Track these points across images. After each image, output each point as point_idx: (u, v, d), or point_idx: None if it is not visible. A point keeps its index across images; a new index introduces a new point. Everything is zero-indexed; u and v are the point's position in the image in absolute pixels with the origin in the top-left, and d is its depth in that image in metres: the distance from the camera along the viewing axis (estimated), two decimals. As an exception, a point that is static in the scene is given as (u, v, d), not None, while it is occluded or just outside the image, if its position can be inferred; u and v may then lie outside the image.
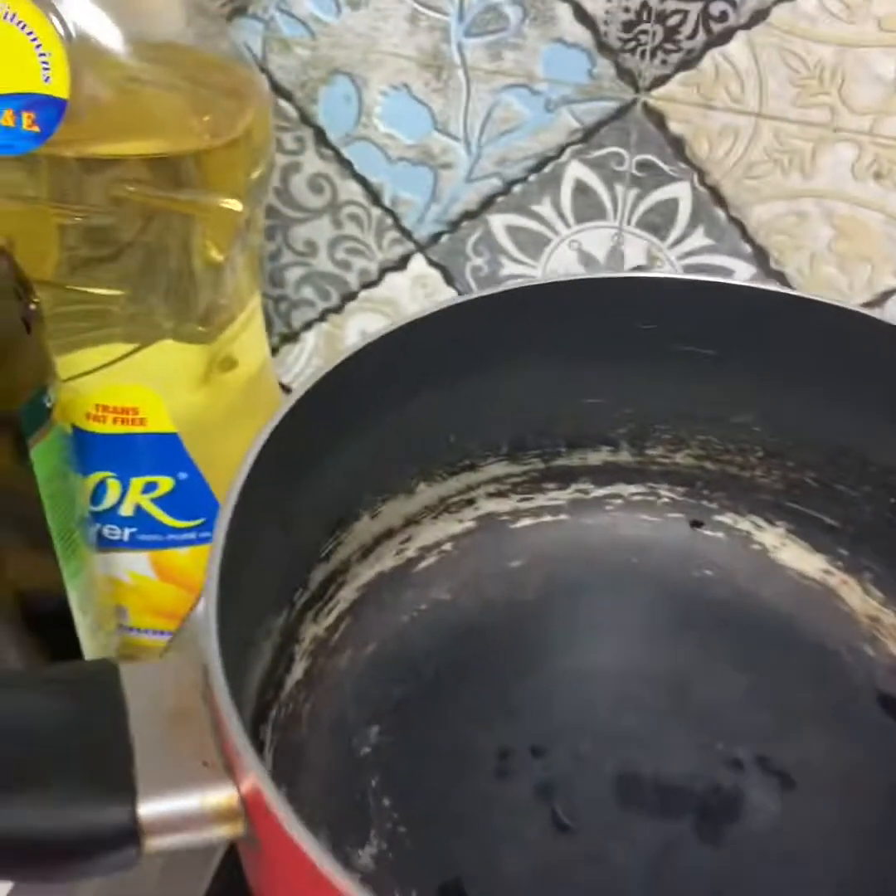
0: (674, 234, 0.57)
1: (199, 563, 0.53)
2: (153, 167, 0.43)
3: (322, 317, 0.66)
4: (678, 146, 0.54)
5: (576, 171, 0.57)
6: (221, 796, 0.26)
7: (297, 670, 0.39)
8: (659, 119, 0.53)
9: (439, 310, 0.37)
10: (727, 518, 0.46)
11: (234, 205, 0.45)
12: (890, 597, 0.43)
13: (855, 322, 0.39)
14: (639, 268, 0.57)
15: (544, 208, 0.59)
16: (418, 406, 0.39)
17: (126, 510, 0.51)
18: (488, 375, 0.41)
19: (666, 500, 0.47)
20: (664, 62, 0.52)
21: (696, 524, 0.46)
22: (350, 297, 0.65)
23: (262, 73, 0.53)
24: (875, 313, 0.39)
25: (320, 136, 0.61)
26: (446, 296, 0.62)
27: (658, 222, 0.57)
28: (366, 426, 0.38)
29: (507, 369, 0.41)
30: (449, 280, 0.62)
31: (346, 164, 0.61)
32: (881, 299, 0.55)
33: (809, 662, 0.42)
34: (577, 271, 0.58)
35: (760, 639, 0.43)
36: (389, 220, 0.62)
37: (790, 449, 0.43)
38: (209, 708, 0.27)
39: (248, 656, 0.33)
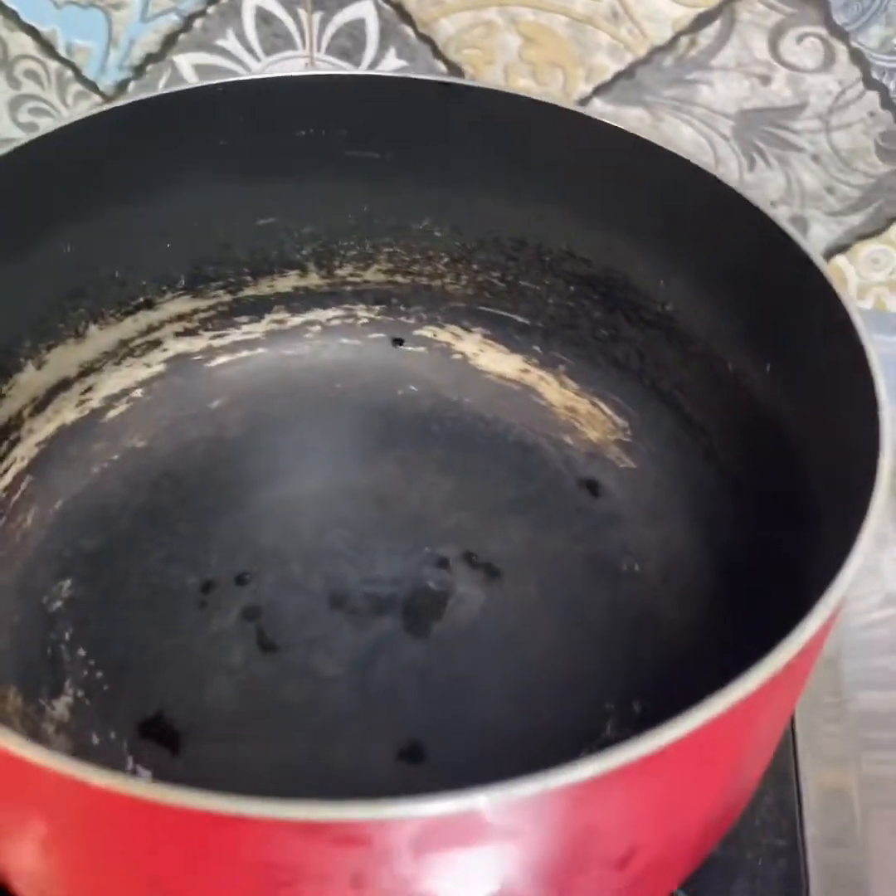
0: (367, 57, 0.55)
1: None
2: None
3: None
4: (352, -39, 0.52)
5: (254, -3, 0.54)
6: None
7: (-29, 535, 0.37)
8: (318, -72, 0.51)
9: (62, 126, 0.34)
10: (427, 331, 0.46)
11: None
12: (583, 386, 0.43)
13: (506, 105, 0.38)
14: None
15: (229, 42, 0.56)
16: (58, 239, 0.36)
17: None
18: (140, 200, 0.38)
19: (364, 320, 0.46)
20: None
21: (397, 342, 0.46)
22: (42, 161, 0.61)
23: None
24: (515, 91, 0.38)
25: (-24, -16, 0.55)
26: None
27: (348, 47, 0.55)
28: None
29: (160, 192, 0.39)
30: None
31: (10, 15, 0.56)
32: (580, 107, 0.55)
33: (512, 460, 0.43)
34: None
35: (464, 445, 0.43)
36: (69, 73, 0.58)
37: (472, 251, 0.43)
38: None
39: None
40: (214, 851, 0.21)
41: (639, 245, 0.38)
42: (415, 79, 0.38)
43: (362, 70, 0.39)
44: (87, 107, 0.58)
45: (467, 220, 0.42)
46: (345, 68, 0.43)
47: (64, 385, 0.40)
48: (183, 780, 0.20)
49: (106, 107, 0.36)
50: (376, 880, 0.22)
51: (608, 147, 0.37)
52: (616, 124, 0.36)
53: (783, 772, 0.37)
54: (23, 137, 0.35)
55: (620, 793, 0.22)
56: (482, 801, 0.20)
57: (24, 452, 0.39)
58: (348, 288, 0.45)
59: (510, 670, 0.36)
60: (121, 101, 0.36)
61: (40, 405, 0.39)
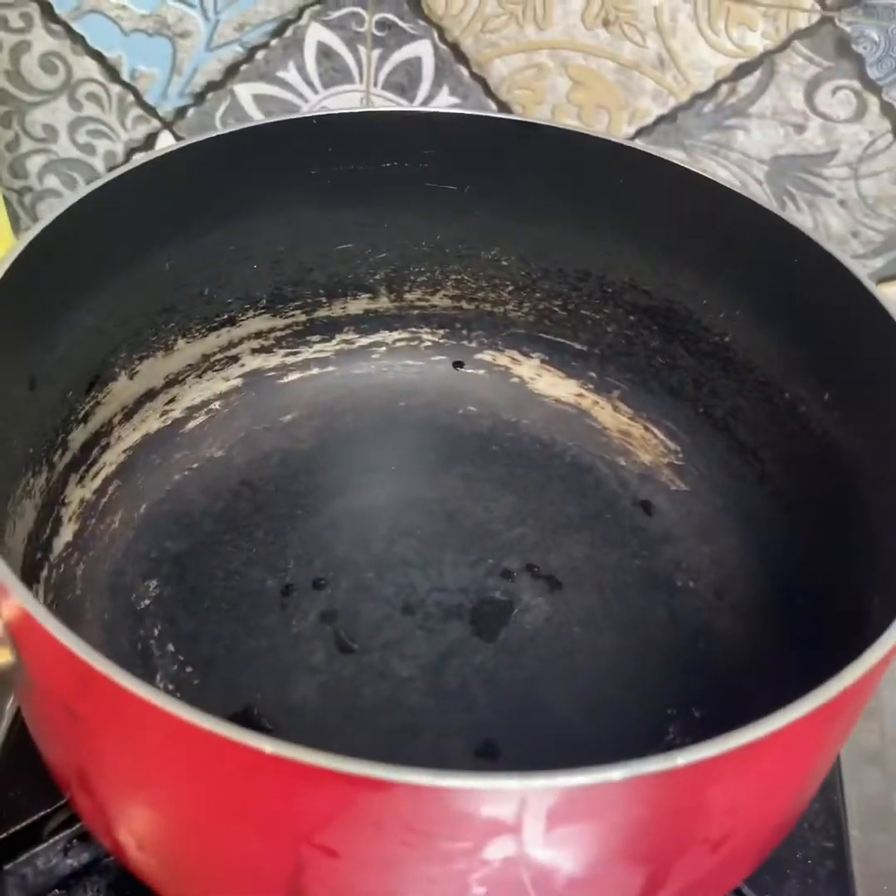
0: (420, 94, 0.57)
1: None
2: None
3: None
4: (415, 3, 0.54)
5: (317, 33, 0.56)
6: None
7: (66, 533, 0.38)
8: (391, -26, 0.53)
9: (165, 154, 0.36)
10: (486, 355, 0.48)
11: None
12: (637, 411, 0.46)
13: (577, 144, 0.40)
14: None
15: (290, 74, 0.58)
16: (160, 257, 0.38)
17: None
18: (229, 225, 0.40)
19: (428, 343, 0.48)
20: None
21: (457, 364, 0.48)
22: (97, 182, 0.62)
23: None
24: (594, 132, 0.41)
25: (47, 11, 0.57)
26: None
27: (404, 83, 0.57)
28: (105, 279, 0.37)
29: (252, 216, 0.41)
30: (198, 155, 0.60)
31: (78, 40, 0.58)
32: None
33: (568, 479, 0.45)
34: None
35: (523, 464, 0.45)
36: (131, 97, 0.60)
37: (537, 280, 0.45)
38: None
39: (7, 510, 0.33)
40: (358, 815, 0.23)
41: (703, 280, 0.41)
42: (495, 117, 0.41)
43: (448, 108, 0.41)
44: (145, 131, 0.60)
45: (534, 251, 0.45)
46: (422, 107, 0.46)
47: (150, 395, 0.42)
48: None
49: (208, 135, 0.38)
50: (507, 849, 0.24)
51: (675, 186, 0.39)
52: (684, 165, 0.39)
53: (829, 780, 0.39)
54: (134, 161, 0.37)
55: (732, 776, 0.24)
56: (616, 775, 0.22)
57: (112, 458, 0.41)
58: (415, 312, 0.47)
59: (575, 675, 0.38)
60: (223, 131, 0.38)
61: (129, 414, 0.42)
